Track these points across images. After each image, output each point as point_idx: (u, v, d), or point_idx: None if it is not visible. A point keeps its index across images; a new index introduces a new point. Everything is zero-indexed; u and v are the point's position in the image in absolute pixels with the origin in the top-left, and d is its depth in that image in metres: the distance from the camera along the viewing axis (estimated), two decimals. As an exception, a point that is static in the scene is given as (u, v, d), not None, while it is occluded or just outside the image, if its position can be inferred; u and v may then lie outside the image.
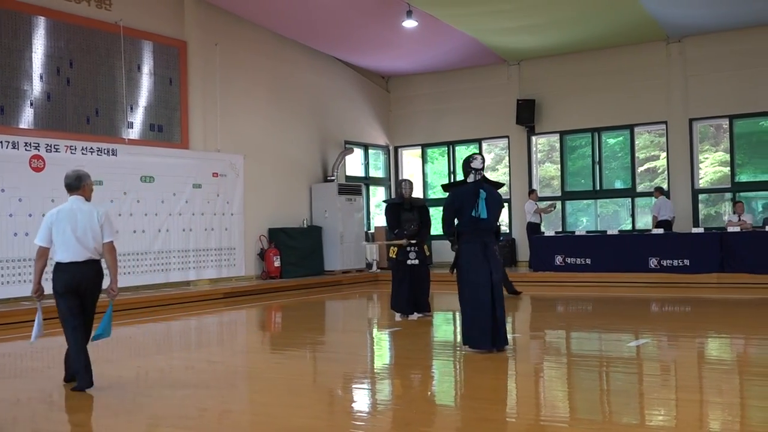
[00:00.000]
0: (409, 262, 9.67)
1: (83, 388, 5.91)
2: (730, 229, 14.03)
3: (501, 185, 7.96)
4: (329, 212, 16.75)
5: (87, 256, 6.04)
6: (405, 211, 9.79)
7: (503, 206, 7.44)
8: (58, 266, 6.01)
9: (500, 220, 7.72)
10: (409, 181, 10.05)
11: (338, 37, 16.46)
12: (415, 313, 9.84)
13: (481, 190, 7.12)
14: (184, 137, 14.28)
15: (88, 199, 6.16)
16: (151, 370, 7.09)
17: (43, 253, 6.05)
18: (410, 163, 20.33)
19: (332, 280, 15.90)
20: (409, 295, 9.70)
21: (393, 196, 19.67)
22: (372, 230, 18.66)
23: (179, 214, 13.84)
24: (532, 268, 15.65)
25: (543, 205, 16.81)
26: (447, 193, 7.65)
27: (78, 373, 5.98)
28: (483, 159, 7.36)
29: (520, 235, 17.78)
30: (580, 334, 8.83)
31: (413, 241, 9.67)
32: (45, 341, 8.75)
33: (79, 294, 6.09)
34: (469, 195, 7.10)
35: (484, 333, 6.96)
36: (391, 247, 9.87)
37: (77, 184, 6.11)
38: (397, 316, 9.89)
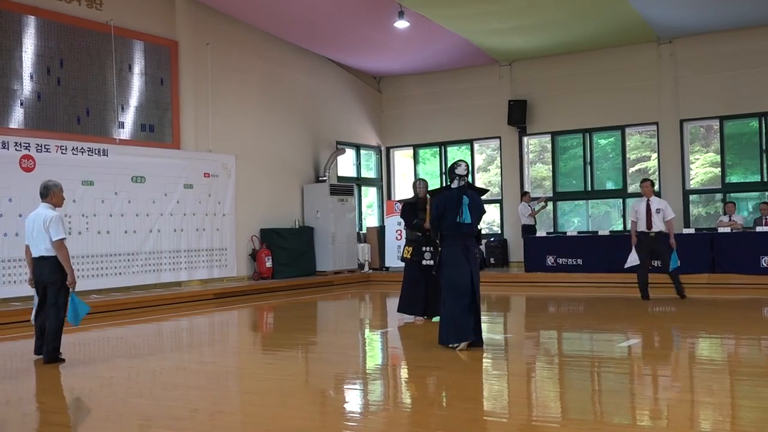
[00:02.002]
0: (424, 262, 9.45)
1: (35, 352, 7.36)
2: (721, 229, 14.08)
3: (485, 191, 8.21)
4: (321, 213, 16.73)
5: (40, 253, 7.19)
6: (420, 210, 9.71)
7: (484, 212, 7.80)
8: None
9: (480, 223, 7.95)
10: (423, 180, 10.01)
11: (330, 38, 16.45)
12: (419, 317, 9.69)
13: (465, 196, 7.37)
14: (176, 137, 14.25)
15: (56, 205, 7.32)
16: (143, 370, 7.07)
17: (27, 250, 7.37)
18: (402, 163, 20.33)
19: (324, 281, 15.89)
20: (424, 295, 9.53)
21: (382, 194, 19.69)
22: (364, 231, 18.66)
23: (170, 214, 13.80)
24: (526, 269, 15.70)
25: (537, 207, 16.85)
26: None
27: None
28: (467, 165, 7.63)
29: (512, 236, 17.83)
30: (571, 335, 8.84)
31: (428, 248, 9.46)
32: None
33: (40, 283, 7.28)
34: (453, 200, 7.35)
35: (465, 329, 7.25)
36: (406, 247, 9.73)
37: (45, 193, 7.32)
38: (405, 318, 9.78)
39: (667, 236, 11.50)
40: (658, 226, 11.47)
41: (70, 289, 7.21)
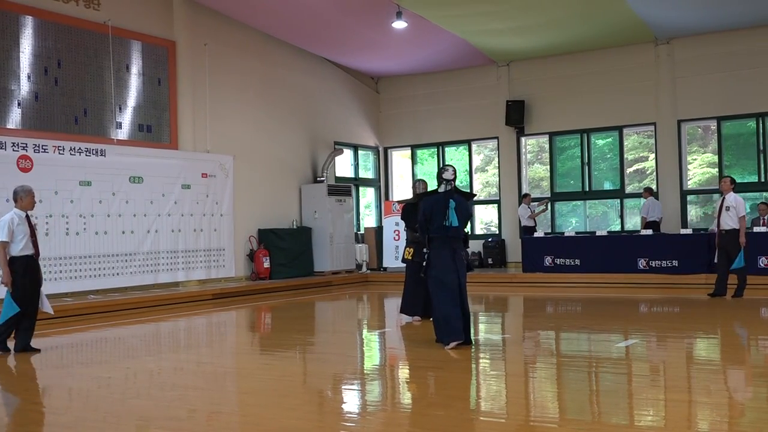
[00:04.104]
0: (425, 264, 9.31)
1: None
2: (719, 229, 14.07)
3: (473, 196, 8.26)
4: (319, 213, 16.73)
5: None
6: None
7: (471, 215, 7.93)
8: None
9: (468, 227, 8.14)
10: (423, 180, 9.92)
11: (328, 38, 16.45)
12: (417, 317, 9.60)
13: (451, 200, 7.52)
14: (173, 138, 14.24)
15: (25, 209, 7.96)
16: (140, 371, 7.06)
17: None
18: (400, 164, 20.33)
19: (322, 281, 15.88)
20: (424, 296, 9.28)
21: (384, 194, 19.69)
22: (362, 231, 18.65)
23: (168, 214, 13.79)
24: (523, 269, 15.70)
25: (537, 209, 16.85)
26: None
27: None
28: (454, 170, 7.74)
29: (510, 236, 17.84)
30: (569, 335, 8.85)
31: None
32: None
33: None
34: (440, 204, 7.51)
35: (456, 328, 7.40)
36: (407, 249, 9.60)
37: (14, 197, 7.99)
38: (404, 318, 9.72)
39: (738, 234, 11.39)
40: (727, 223, 11.43)
41: (8, 290, 7.77)
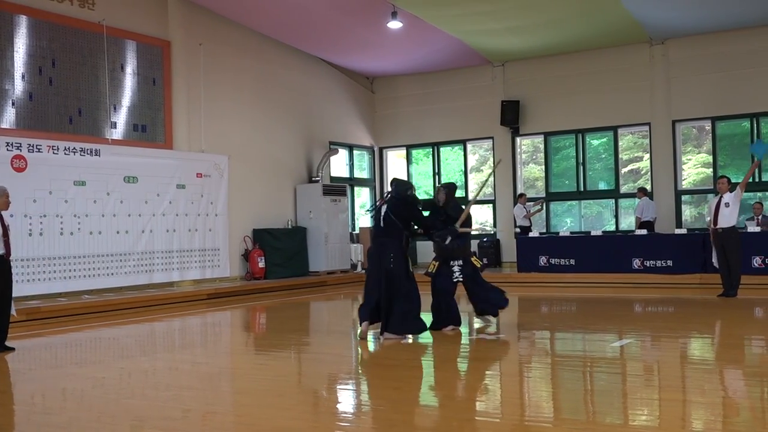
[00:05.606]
0: (454, 278, 8.68)
1: None
2: (714, 229, 14.10)
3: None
4: (314, 213, 16.72)
5: None
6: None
7: None
8: None
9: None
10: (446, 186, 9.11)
11: (323, 38, 16.45)
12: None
13: None
14: (168, 137, 14.22)
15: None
16: (135, 371, 7.05)
17: None
18: (395, 164, 20.33)
19: (317, 281, 15.87)
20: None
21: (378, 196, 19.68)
22: (357, 231, 18.65)
23: (163, 214, 13.77)
24: (518, 269, 15.71)
25: (533, 209, 16.86)
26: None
27: None
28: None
29: (505, 236, 17.85)
30: (564, 335, 8.86)
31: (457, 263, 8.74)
32: (26, 343, 8.70)
33: None
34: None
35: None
36: (432, 261, 8.78)
37: None
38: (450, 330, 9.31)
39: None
40: (724, 221, 11.36)
41: None
